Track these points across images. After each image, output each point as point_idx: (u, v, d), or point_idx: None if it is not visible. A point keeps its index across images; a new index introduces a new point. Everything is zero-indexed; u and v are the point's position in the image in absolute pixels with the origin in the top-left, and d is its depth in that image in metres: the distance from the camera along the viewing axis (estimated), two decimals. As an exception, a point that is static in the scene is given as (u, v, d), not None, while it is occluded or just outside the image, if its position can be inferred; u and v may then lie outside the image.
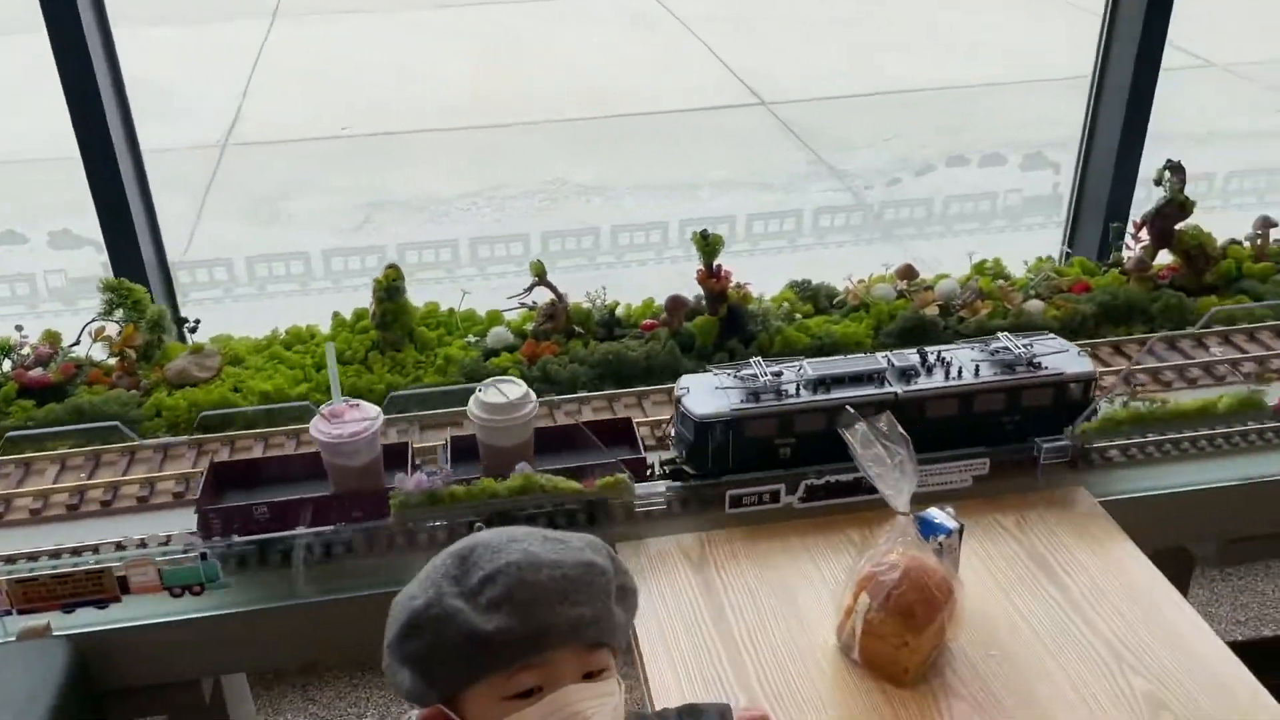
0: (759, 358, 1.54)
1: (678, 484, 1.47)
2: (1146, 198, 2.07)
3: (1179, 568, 1.85)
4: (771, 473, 1.47)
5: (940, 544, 1.25)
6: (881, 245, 4.08)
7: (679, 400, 1.48)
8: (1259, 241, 2.11)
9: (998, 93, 6.19)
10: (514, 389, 1.42)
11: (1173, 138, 5.66)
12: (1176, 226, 2.03)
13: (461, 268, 4.23)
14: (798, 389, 1.47)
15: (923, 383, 1.49)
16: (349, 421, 1.37)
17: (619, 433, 1.55)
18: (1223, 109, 6.11)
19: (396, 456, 1.47)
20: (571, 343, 1.86)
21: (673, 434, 1.54)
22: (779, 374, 1.48)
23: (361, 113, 6.04)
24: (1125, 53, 2.29)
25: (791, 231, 3.86)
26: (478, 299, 1.97)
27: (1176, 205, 2.01)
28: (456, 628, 0.80)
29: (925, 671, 1.21)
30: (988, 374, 1.50)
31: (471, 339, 1.83)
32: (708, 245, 1.83)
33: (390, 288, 1.77)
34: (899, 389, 1.47)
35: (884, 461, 1.18)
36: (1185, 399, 1.55)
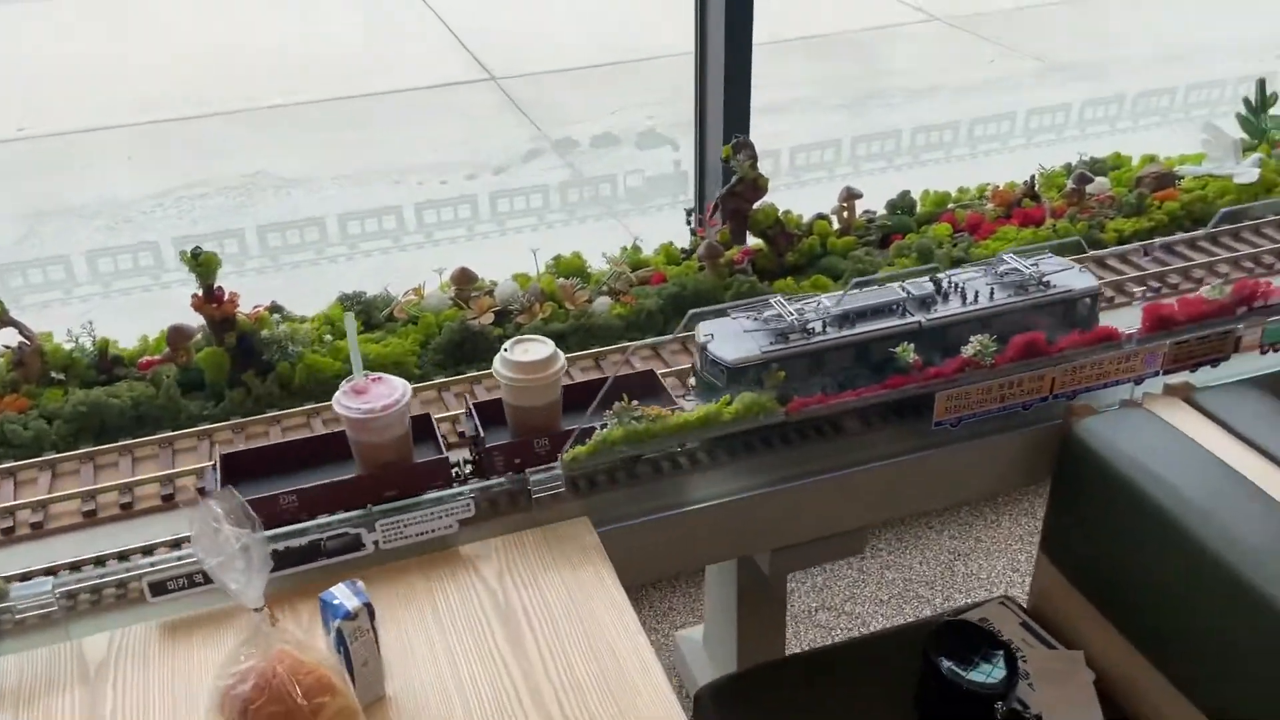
0: (780, 296, 1.51)
1: (81, 577, 1.22)
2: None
3: (756, 580, 1.74)
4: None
5: (340, 629, 1.05)
6: (595, 224, 3.91)
7: (704, 347, 1.44)
8: (844, 214, 2.02)
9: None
10: (542, 347, 1.36)
11: (893, 93, 5.78)
12: (755, 205, 1.91)
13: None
14: (824, 326, 1.45)
15: (942, 310, 1.49)
16: (376, 396, 1.29)
17: (646, 385, 1.49)
18: (943, 62, 6.27)
19: (421, 430, 1.37)
20: (48, 393, 1.57)
21: (693, 383, 1.51)
22: (802, 311, 1.47)
23: (41, 111, 5.45)
24: (717, 25, 2.17)
25: (469, 219, 3.63)
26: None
27: (749, 183, 1.88)
28: None
29: (315, 790, 1.01)
30: (1002, 297, 1.52)
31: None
32: (200, 265, 1.58)
33: None
34: (922, 318, 1.48)
35: (226, 549, 0.96)
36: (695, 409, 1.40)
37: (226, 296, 1.61)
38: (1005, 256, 1.58)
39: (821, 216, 2.02)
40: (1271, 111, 2.27)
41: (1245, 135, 2.30)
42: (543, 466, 1.33)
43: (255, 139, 5.21)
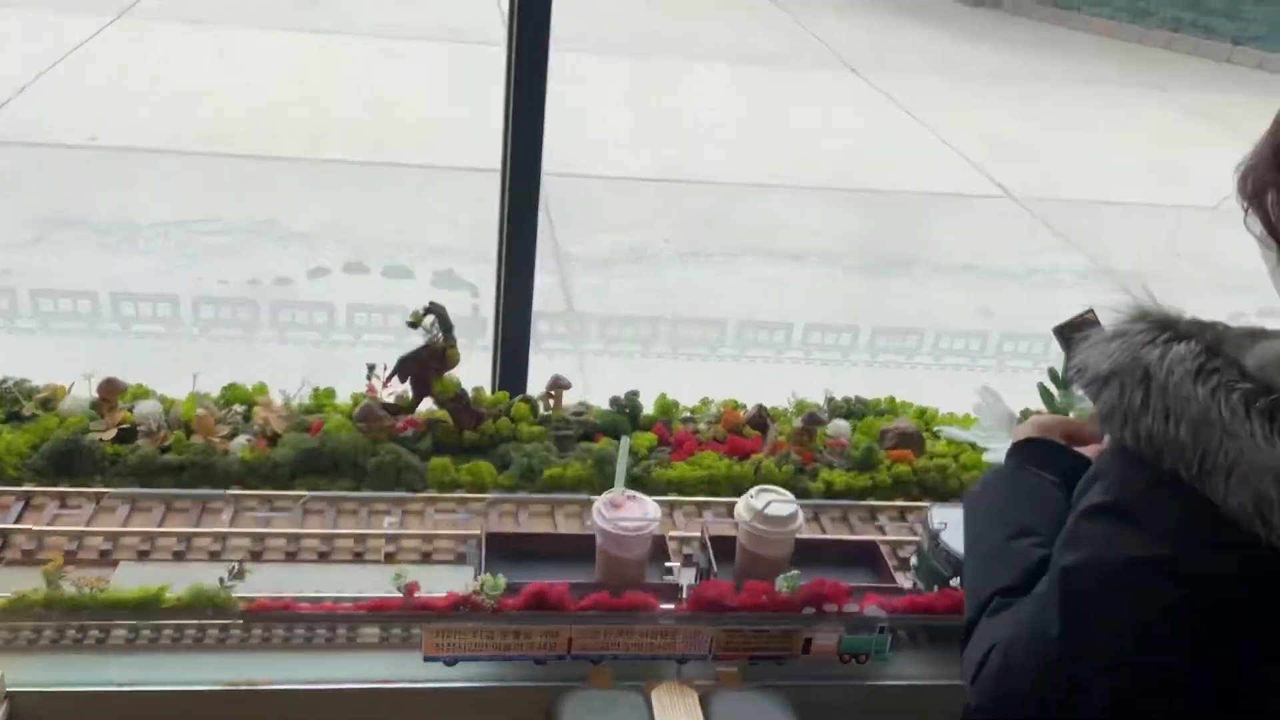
0: None
1: None
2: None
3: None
4: None
5: None
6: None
7: (936, 535, 1.48)
8: (551, 401, 1.94)
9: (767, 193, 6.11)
10: (786, 506, 1.46)
11: (919, 263, 5.60)
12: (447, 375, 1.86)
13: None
14: None
15: None
16: (630, 514, 1.41)
17: (862, 556, 1.57)
18: (990, 242, 6.04)
19: (655, 549, 1.47)
20: None
21: (914, 564, 1.56)
22: None
23: (119, 125, 5.84)
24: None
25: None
26: None
27: (436, 353, 1.84)
28: None
29: None
30: None
31: None
32: None
33: None
34: None
35: None
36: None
37: None
38: None
39: (526, 400, 1.95)
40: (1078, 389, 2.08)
41: (1044, 409, 2.10)
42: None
43: (272, 190, 5.36)
